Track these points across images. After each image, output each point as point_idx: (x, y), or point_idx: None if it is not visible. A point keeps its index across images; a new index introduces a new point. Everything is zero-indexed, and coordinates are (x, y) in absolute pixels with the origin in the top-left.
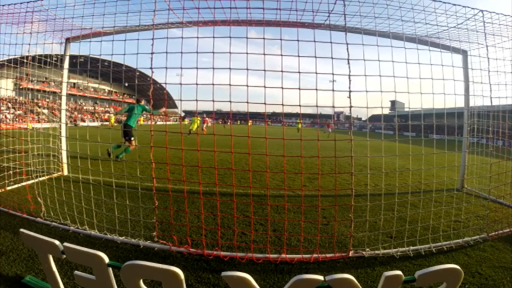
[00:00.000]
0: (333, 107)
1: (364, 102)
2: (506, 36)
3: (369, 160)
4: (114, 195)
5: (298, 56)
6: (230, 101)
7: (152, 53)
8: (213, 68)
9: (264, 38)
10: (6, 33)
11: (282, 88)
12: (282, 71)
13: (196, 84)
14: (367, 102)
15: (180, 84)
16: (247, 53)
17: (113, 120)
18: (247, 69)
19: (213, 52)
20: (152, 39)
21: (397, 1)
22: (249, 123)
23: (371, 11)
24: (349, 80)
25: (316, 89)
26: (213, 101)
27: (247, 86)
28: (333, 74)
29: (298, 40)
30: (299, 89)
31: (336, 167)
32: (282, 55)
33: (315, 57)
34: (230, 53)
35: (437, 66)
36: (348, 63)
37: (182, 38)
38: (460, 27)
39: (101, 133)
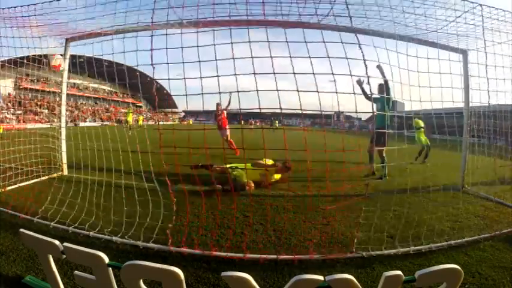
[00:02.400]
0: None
1: (365, 102)
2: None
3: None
4: (113, 195)
5: (307, 57)
6: (230, 98)
7: (152, 49)
8: (216, 64)
9: (267, 40)
10: (8, 37)
11: (285, 90)
12: (284, 72)
13: (201, 78)
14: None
15: (184, 79)
16: (251, 54)
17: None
18: (252, 62)
19: (214, 51)
20: (151, 36)
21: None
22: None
23: (376, 14)
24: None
25: (317, 90)
26: (219, 93)
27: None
28: (333, 74)
29: (305, 42)
30: (298, 90)
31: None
32: (288, 56)
33: (317, 57)
34: (233, 56)
35: (437, 67)
36: (365, 63)
37: (181, 34)
38: (461, 25)
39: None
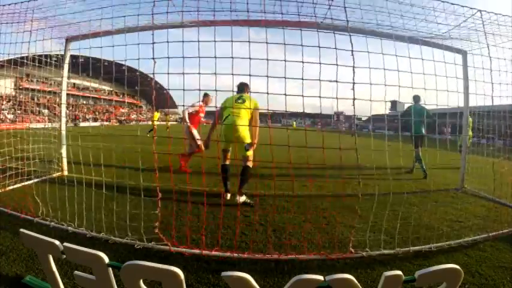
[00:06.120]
0: (336, 100)
1: (365, 102)
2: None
3: (368, 160)
4: (114, 196)
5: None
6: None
7: (153, 48)
8: (215, 62)
9: (266, 40)
10: (7, 33)
11: (284, 89)
12: (284, 71)
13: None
14: (370, 99)
15: (183, 74)
16: (249, 55)
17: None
18: (249, 66)
19: (215, 54)
20: (152, 34)
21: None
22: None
23: (372, 8)
24: (353, 72)
25: (319, 81)
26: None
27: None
28: (336, 65)
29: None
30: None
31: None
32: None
33: (319, 47)
34: (232, 57)
35: (438, 67)
36: (352, 54)
37: (182, 39)
38: (461, 27)
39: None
